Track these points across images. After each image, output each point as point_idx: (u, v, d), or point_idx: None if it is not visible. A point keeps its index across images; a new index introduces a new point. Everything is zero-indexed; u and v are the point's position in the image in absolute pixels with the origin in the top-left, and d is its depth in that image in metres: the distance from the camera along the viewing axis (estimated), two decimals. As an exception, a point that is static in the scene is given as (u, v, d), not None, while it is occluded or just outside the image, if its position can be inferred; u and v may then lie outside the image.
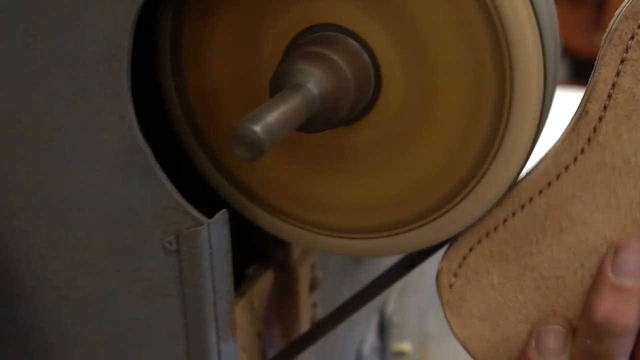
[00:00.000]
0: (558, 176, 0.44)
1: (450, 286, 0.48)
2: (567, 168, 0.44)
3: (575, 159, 0.44)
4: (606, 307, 0.43)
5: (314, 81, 0.39)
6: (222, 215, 0.43)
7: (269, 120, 0.35)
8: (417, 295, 0.93)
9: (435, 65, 0.41)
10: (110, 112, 0.41)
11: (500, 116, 0.41)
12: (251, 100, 0.45)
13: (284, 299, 0.59)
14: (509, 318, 0.47)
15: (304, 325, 0.61)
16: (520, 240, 0.46)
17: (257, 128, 0.34)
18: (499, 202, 0.45)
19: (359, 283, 0.74)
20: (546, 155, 0.45)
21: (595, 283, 0.44)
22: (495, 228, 0.46)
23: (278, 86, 0.39)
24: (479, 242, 0.47)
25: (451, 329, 0.48)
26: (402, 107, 0.43)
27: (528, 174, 0.46)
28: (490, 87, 0.41)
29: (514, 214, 0.46)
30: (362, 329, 0.76)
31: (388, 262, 0.70)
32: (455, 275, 0.47)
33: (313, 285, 0.62)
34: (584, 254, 0.45)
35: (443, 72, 0.41)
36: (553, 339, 0.46)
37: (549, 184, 0.45)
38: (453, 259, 0.47)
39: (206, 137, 0.48)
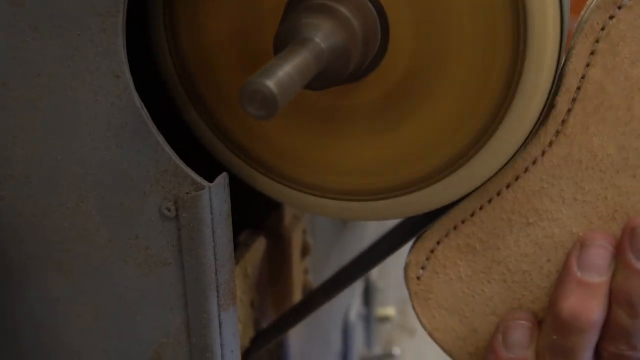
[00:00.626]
0: (526, 170, 0.44)
1: (418, 278, 0.48)
2: (534, 162, 0.44)
3: (543, 153, 0.44)
4: (571, 302, 0.44)
5: (321, 35, 0.37)
6: (222, 179, 0.41)
7: (281, 75, 0.33)
8: (398, 259, 0.93)
9: (447, 19, 0.39)
10: (104, 71, 0.39)
11: (512, 75, 0.39)
12: (251, 58, 0.43)
13: (276, 266, 0.58)
14: (475, 310, 0.48)
15: (297, 293, 0.60)
16: (487, 234, 0.46)
17: (270, 83, 0.32)
18: (468, 197, 0.45)
19: (347, 248, 0.73)
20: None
21: (561, 278, 0.45)
22: (463, 221, 0.46)
23: (284, 42, 0.37)
24: (446, 235, 0.47)
25: (419, 319, 0.49)
26: (411, 62, 0.41)
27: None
28: (501, 50, 0.39)
29: (481, 207, 0.46)
30: (348, 296, 0.75)
31: (374, 226, 0.69)
32: (422, 267, 0.48)
33: (305, 251, 0.61)
34: (550, 248, 0.45)
35: (455, 27, 0.39)
36: (519, 333, 0.46)
37: (517, 178, 0.44)
38: (421, 252, 0.47)
39: (203, 97, 0.46)
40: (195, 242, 0.41)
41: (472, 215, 0.46)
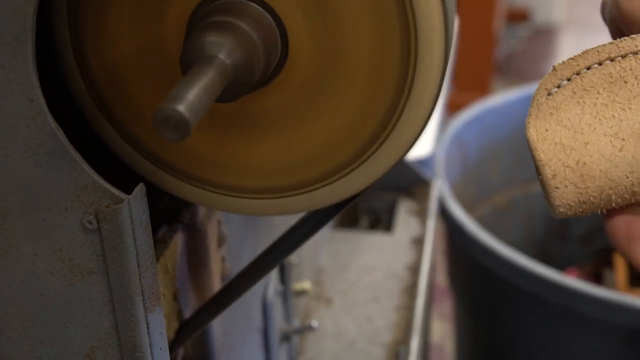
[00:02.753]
0: None
1: (549, 94, 0.45)
2: None
3: None
4: None
5: (225, 51, 0.39)
6: (140, 190, 0.43)
7: (190, 98, 0.35)
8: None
9: (341, 26, 0.42)
10: (18, 96, 0.40)
11: (405, 78, 0.43)
12: (157, 72, 0.45)
13: (195, 258, 0.60)
14: (596, 129, 0.44)
15: (216, 281, 0.63)
16: None
17: (181, 108, 0.35)
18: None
19: (261, 234, 0.75)
20: None
21: None
22: (625, 56, 0.44)
23: (190, 60, 0.39)
24: (600, 63, 0.45)
25: (527, 128, 0.45)
26: (310, 68, 0.44)
27: None
28: (395, 49, 0.42)
29: None
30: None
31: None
32: (559, 86, 0.45)
33: (220, 241, 0.63)
34: None
35: (349, 33, 0.42)
36: None
37: None
38: (567, 69, 0.45)
39: (115, 112, 0.47)
40: (118, 251, 0.43)
41: (636, 53, 0.44)
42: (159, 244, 0.56)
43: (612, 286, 1.56)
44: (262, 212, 0.50)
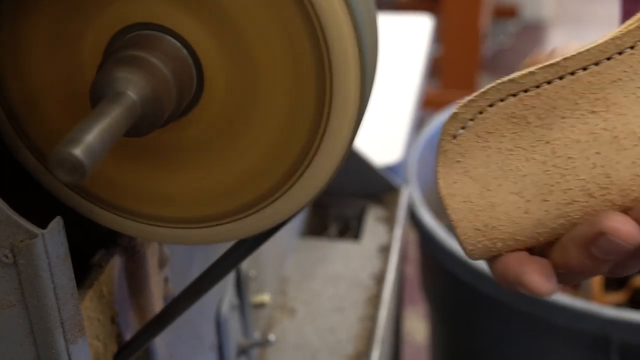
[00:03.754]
0: (609, 58, 0.42)
1: (455, 137, 0.45)
2: (621, 52, 0.42)
3: (634, 47, 0.42)
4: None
5: (132, 87, 0.39)
6: (56, 224, 0.43)
7: (89, 139, 0.35)
8: (273, 246, 0.96)
9: (257, 61, 0.42)
10: None
11: (322, 108, 0.43)
12: (75, 100, 0.45)
13: (134, 280, 0.60)
14: (502, 185, 0.45)
15: (158, 302, 0.62)
16: (546, 111, 0.43)
17: (77, 151, 0.34)
18: (542, 66, 0.43)
19: (211, 252, 0.75)
20: (605, 35, 0.43)
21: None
22: (526, 90, 0.43)
23: (98, 96, 0.39)
24: (503, 100, 0.44)
25: (437, 181, 0.46)
26: (226, 100, 0.44)
27: (579, 48, 0.43)
28: (310, 82, 0.42)
29: (549, 82, 0.43)
30: (218, 289, 0.78)
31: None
32: (464, 127, 0.44)
33: (162, 262, 0.63)
34: (604, 141, 0.43)
35: (264, 68, 0.42)
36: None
37: (597, 63, 0.43)
38: (468, 110, 0.44)
39: (33, 140, 0.47)
40: (35, 285, 0.43)
41: (537, 87, 0.43)
42: (95, 269, 0.56)
43: (587, 291, 1.56)
44: (184, 242, 0.50)
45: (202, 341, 0.75)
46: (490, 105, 0.44)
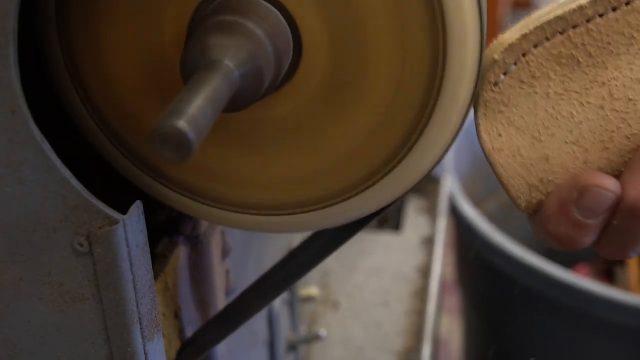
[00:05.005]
0: None
1: (496, 84, 0.40)
2: None
3: None
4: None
5: (230, 55, 0.35)
6: (136, 208, 0.39)
7: (192, 111, 0.31)
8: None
9: (363, 28, 0.38)
10: (-2, 107, 0.36)
11: (432, 87, 0.38)
12: (157, 80, 0.41)
13: (197, 272, 0.56)
14: (555, 135, 0.41)
15: (220, 296, 0.58)
16: (599, 48, 0.39)
17: (182, 123, 0.30)
18: None
19: (266, 241, 0.71)
20: None
21: (634, 164, 0.40)
22: (575, 26, 0.39)
23: (191, 67, 0.35)
24: (549, 38, 0.39)
25: (479, 134, 0.41)
26: (325, 72, 0.39)
27: None
28: (422, 57, 0.38)
29: (602, 15, 0.39)
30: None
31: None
32: (505, 73, 0.40)
33: (224, 253, 0.59)
34: None
35: (370, 36, 0.38)
36: (598, 201, 0.40)
37: None
38: (510, 54, 0.39)
39: (112, 125, 0.43)
40: (113, 277, 0.39)
41: (588, 21, 0.39)
42: (159, 260, 0.51)
43: (624, 284, 1.52)
44: (272, 229, 0.45)
45: (256, 337, 0.71)
46: (535, 46, 0.39)
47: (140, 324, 0.40)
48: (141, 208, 0.39)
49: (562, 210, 0.41)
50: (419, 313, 0.95)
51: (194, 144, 0.30)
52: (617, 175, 0.41)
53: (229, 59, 0.34)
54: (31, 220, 0.38)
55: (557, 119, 0.40)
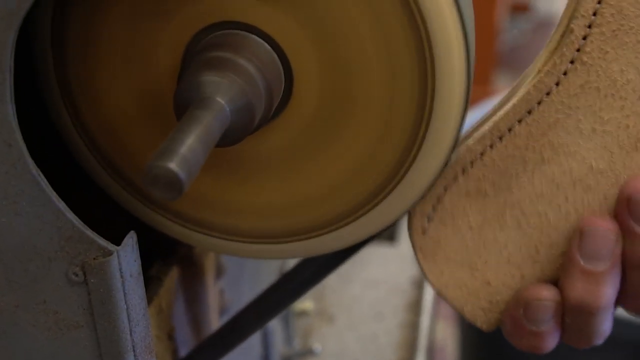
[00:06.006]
0: (539, 102, 0.41)
1: (424, 232, 0.44)
2: (548, 93, 0.41)
3: (558, 83, 0.40)
4: (579, 292, 0.42)
5: (222, 92, 0.35)
6: (130, 239, 0.40)
7: (183, 151, 0.31)
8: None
9: (352, 60, 0.38)
10: (-5, 141, 0.37)
11: (421, 118, 0.39)
12: (152, 114, 0.42)
13: (191, 292, 0.57)
14: (488, 261, 0.44)
15: (214, 316, 0.59)
16: (499, 175, 0.42)
17: (173, 165, 0.31)
18: (476, 135, 0.42)
19: (261, 263, 0.72)
20: (524, 80, 0.42)
21: (566, 268, 0.43)
22: (472, 163, 0.43)
23: (184, 103, 0.35)
24: (454, 179, 0.43)
25: (425, 276, 0.45)
26: (316, 105, 0.40)
27: (504, 102, 0.42)
28: (411, 89, 0.38)
29: (491, 146, 0.42)
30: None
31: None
32: (429, 219, 0.44)
33: (219, 273, 0.60)
34: (568, 186, 0.42)
35: (360, 70, 0.39)
36: (542, 312, 0.43)
37: (530, 112, 0.41)
38: (427, 201, 0.43)
39: (112, 160, 0.44)
40: (107, 306, 0.39)
41: (482, 155, 0.42)
42: (153, 282, 0.52)
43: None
44: (265, 256, 0.46)
45: (251, 352, 0.72)
46: (445, 190, 0.43)
47: (134, 351, 0.41)
48: (135, 238, 0.40)
49: (516, 326, 0.44)
50: (414, 325, 0.95)
51: (185, 184, 0.31)
52: (557, 279, 0.44)
53: (221, 96, 0.35)
54: (27, 250, 0.39)
55: (485, 247, 0.44)
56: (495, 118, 0.42)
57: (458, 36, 0.37)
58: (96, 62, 0.41)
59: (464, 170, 0.43)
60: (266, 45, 0.38)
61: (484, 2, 3.05)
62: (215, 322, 0.59)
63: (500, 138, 0.42)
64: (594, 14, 0.39)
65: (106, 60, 0.41)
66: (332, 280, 1.02)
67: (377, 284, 1.02)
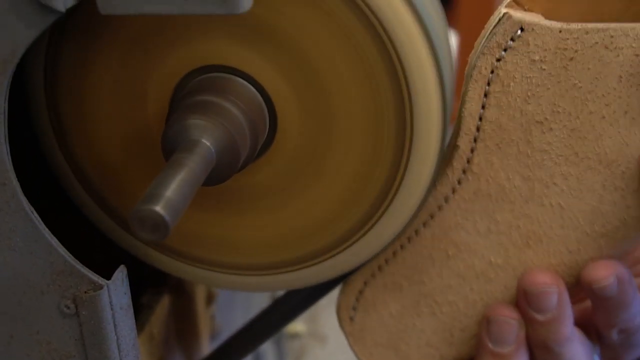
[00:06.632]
0: (439, 208, 0.45)
1: (351, 319, 0.49)
2: (446, 199, 0.45)
3: (454, 190, 0.45)
4: None
5: (207, 134, 0.37)
6: (120, 273, 0.41)
7: (169, 194, 0.33)
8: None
9: (333, 103, 0.40)
10: (-11, 180, 0.38)
11: (400, 155, 0.41)
12: (142, 152, 0.43)
13: (182, 319, 0.58)
14: (410, 344, 0.49)
15: (205, 341, 0.61)
16: (411, 270, 0.47)
17: (158, 208, 0.32)
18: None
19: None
20: None
21: (478, 350, 0.47)
22: (387, 261, 0.47)
23: (171, 146, 0.37)
24: (372, 275, 0.48)
25: (357, 357, 0.50)
26: (299, 144, 0.42)
27: None
28: (389, 133, 0.40)
29: (402, 246, 0.47)
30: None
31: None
32: (354, 308, 0.49)
33: (210, 300, 0.61)
34: (472, 278, 0.47)
35: (341, 109, 0.40)
36: None
37: (432, 216, 0.46)
38: (350, 295, 0.48)
39: (103, 196, 0.46)
40: (97, 337, 0.41)
41: (394, 254, 0.47)
42: (145, 310, 0.54)
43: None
44: (252, 289, 0.48)
45: (242, 375, 0.73)
46: (365, 284, 0.48)
47: (124, 380, 0.43)
48: (125, 272, 0.42)
49: None
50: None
51: (170, 226, 0.32)
52: (472, 357, 0.49)
53: (206, 138, 0.37)
54: (20, 283, 0.41)
55: (405, 331, 0.49)
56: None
57: (435, 80, 0.39)
58: (87, 104, 0.42)
59: (380, 268, 0.48)
60: (250, 87, 0.40)
61: (481, 18, 3.07)
62: (205, 348, 0.60)
63: (409, 239, 0.47)
64: (477, 130, 0.43)
65: (97, 103, 0.42)
66: (324, 301, 1.03)
67: (369, 305, 1.04)
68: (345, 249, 0.44)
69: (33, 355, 0.43)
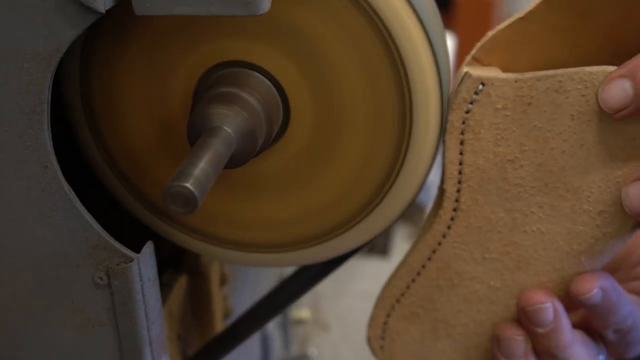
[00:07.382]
0: (439, 243, 0.51)
1: (382, 348, 0.56)
2: (444, 235, 0.51)
3: (449, 227, 0.50)
4: None
5: (228, 122, 0.41)
6: (148, 248, 0.46)
7: (197, 173, 0.38)
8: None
9: (340, 96, 0.45)
10: (33, 163, 0.43)
11: (401, 143, 0.45)
12: (168, 140, 0.48)
13: (198, 298, 0.63)
14: None
15: (218, 320, 0.65)
16: (424, 300, 0.53)
17: (188, 184, 0.37)
18: (399, 274, 0.53)
19: (261, 271, 0.78)
20: (424, 228, 0.52)
21: None
22: (402, 294, 0.53)
23: (196, 132, 0.41)
24: (392, 308, 0.54)
25: None
26: (310, 132, 0.46)
27: (414, 246, 0.53)
28: (391, 120, 0.45)
29: (413, 280, 0.53)
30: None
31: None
32: (382, 338, 0.55)
33: (223, 281, 0.66)
34: (477, 302, 0.53)
35: (348, 102, 0.45)
36: None
37: (434, 251, 0.51)
38: (376, 327, 0.55)
39: (130, 179, 0.50)
40: (128, 306, 0.45)
41: (407, 288, 0.53)
42: (164, 289, 0.58)
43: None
44: (265, 264, 0.52)
45: (251, 356, 0.77)
46: (388, 316, 0.55)
47: (151, 346, 0.47)
48: (152, 247, 0.46)
49: None
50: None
51: (199, 201, 0.37)
52: None
53: (228, 125, 0.41)
54: (59, 257, 0.45)
55: (429, 353, 0.56)
56: (409, 259, 0.52)
57: (434, 78, 0.44)
58: (117, 96, 0.47)
59: (398, 300, 0.54)
60: (266, 81, 0.45)
61: (479, 22, 3.11)
62: (219, 325, 0.65)
63: (418, 274, 0.53)
64: (460, 173, 0.49)
65: (126, 95, 0.47)
66: (328, 292, 1.08)
67: (370, 296, 1.08)
68: (357, 223, 0.49)
69: (67, 324, 0.47)
